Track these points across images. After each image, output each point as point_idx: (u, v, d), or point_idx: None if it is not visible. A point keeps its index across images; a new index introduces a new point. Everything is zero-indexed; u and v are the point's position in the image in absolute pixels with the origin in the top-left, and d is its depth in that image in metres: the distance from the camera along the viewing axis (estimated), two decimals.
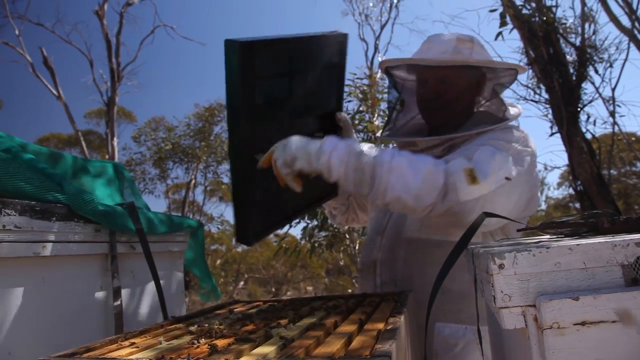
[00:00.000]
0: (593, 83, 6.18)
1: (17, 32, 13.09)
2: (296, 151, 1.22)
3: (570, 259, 0.72)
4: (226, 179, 11.72)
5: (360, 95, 6.20)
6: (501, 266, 0.73)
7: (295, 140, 1.25)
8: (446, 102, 1.47)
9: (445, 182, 1.25)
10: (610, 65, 6.21)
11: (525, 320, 0.73)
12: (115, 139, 12.08)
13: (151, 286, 1.68)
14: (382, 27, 12.61)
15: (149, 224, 1.66)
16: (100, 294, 1.48)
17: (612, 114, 6.20)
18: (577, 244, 0.73)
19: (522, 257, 0.73)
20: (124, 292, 1.55)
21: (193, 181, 12.09)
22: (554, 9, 6.24)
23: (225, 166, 11.64)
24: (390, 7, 12.47)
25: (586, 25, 6.30)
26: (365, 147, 1.26)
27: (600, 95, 6.12)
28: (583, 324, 0.67)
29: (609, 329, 0.67)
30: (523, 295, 0.73)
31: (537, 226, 1.12)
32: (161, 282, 1.58)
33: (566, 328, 0.68)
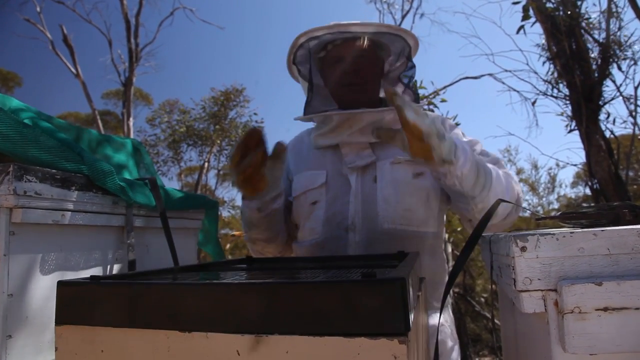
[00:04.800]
0: (614, 81, 6.06)
1: (38, 9, 13.20)
2: (442, 130, 1.10)
3: (594, 245, 0.71)
4: None
5: None
6: (523, 249, 0.73)
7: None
8: (366, 76, 1.43)
9: (518, 192, 1.33)
10: (635, 63, 6.07)
11: (545, 304, 0.72)
12: (131, 119, 12.16)
13: (165, 261, 1.69)
14: (403, 17, 12.41)
15: (166, 199, 1.68)
16: (115, 267, 1.50)
17: (633, 113, 6.08)
18: (602, 230, 0.72)
19: (545, 241, 0.73)
20: (138, 266, 1.57)
21: (206, 164, 12.14)
22: (579, 3, 6.11)
23: None
24: None
25: (611, 21, 6.16)
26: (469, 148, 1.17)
27: (620, 93, 5.99)
28: (605, 309, 0.67)
29: (631, 315, 0.66)
30: (544, 279, 0.72)
31: (558, 215, 1.11)
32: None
33: (587, 313, 0.67)
